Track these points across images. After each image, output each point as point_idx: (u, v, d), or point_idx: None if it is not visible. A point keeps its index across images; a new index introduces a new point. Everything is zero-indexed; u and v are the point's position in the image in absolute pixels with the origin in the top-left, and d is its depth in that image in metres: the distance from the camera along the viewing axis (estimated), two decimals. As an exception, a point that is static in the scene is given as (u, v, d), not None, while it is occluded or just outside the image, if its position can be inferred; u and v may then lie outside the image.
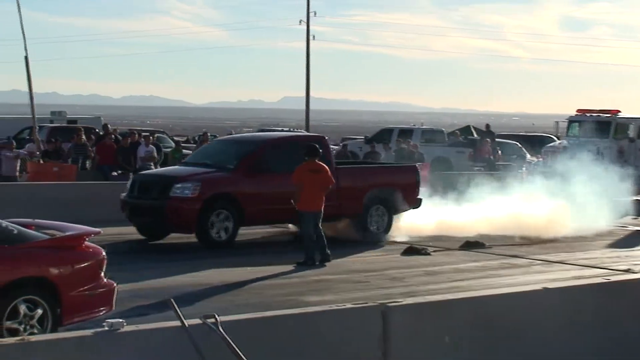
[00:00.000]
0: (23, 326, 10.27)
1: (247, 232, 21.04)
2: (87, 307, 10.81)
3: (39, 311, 10.39)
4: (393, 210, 21.72)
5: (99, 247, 11.27)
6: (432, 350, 8.83)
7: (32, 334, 10.06)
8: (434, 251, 19.74)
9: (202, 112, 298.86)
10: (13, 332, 10.06)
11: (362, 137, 44.46)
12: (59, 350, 7.16)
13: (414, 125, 46.73)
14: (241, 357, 7.42)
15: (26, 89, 31.19)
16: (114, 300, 11.15)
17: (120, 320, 7.39)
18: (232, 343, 7.42)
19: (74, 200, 22.15)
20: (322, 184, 18.03)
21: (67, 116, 48.80)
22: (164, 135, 43.39)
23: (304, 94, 66.36)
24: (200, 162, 20.94)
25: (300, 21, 67.17)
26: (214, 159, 20.88)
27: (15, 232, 10.70)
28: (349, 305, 8.83)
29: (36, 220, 11.85)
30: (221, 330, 7.50)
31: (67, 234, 11.19)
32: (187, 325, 7.47)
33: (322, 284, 15.83)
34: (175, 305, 7.59)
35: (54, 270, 10.63)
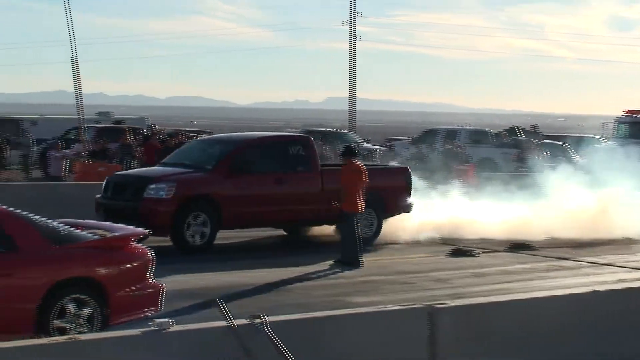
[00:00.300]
0: (71, 325, 10.33)
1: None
2: (134, 308, 10.85)
3: (88, 310, 10.45)
4: (382, 214, 20.88)
5: (146, 247, 11.31)
6: (480, 352, 8.76)
7: (80, 332, 10.12)
8: (481, 253, 19.62)
9: (247, 113, 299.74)
10: (62, 331, 10.14)
11: (407, 138, 44.37)
12: (107, 349, 7.19)
13: (459, 126, 46.60)
14: (289, 357, 7.39)
15: (72, 89, 31.31)
16: (160, 301, 11.17)
17: (168, 320, 7.40)
18: (280, 343, 7.41)
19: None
20: (359, 184, 17.97)
21: (113, 117, 49.20)
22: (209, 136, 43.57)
23: (348, 94, 66.20)
24: (179, 163, 20.17)
25: (343, 22, 67.12)
26: (192, 159, 20.12)
27: (65, 232, 10.77)
28: (396, 307, 8.80)
29: (84, 220, 11.92)
30: (269, 330, 7.48)
31: (115, 234, 11.25)
32: (235, 326, 7.46)
33: (368, 285, 15.77)
34: (224, 305, 7.58)
35: (102, 271, 10.69)
